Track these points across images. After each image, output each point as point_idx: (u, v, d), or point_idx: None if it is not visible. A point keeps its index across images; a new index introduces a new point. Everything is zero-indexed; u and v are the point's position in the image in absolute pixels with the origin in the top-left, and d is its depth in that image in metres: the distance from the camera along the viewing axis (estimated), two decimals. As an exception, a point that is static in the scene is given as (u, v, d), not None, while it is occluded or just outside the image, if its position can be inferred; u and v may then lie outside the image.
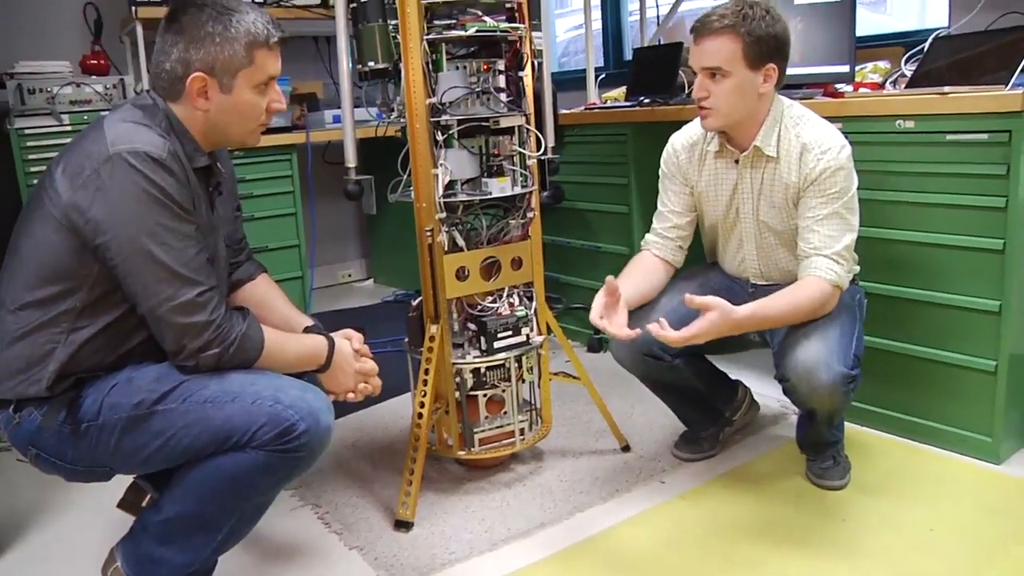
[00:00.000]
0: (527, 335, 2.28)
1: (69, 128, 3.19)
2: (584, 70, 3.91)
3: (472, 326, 2.25)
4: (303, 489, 2.37)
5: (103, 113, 1.72)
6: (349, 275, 5.15)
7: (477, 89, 2.13)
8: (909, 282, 2.37)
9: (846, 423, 2.31)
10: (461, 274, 2.19)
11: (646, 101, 3.18)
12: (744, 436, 2.56)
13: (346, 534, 2.15)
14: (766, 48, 2.02)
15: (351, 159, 2.68)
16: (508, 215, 2.27)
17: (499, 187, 2.16)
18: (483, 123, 2.14)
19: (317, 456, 1.68)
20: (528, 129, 2.22)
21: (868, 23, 3.39)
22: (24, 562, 2.13)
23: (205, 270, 1.63)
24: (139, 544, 1.71)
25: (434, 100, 2.10)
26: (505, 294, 2.27)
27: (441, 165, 2.11)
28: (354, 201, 2.68)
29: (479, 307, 2.25)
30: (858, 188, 2.09)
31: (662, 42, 3.88)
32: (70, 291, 1.60)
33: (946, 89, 2.24)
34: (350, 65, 2.51)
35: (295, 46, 4.45)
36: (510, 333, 2.24)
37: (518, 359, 2.28)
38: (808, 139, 2.07)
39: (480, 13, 2.10)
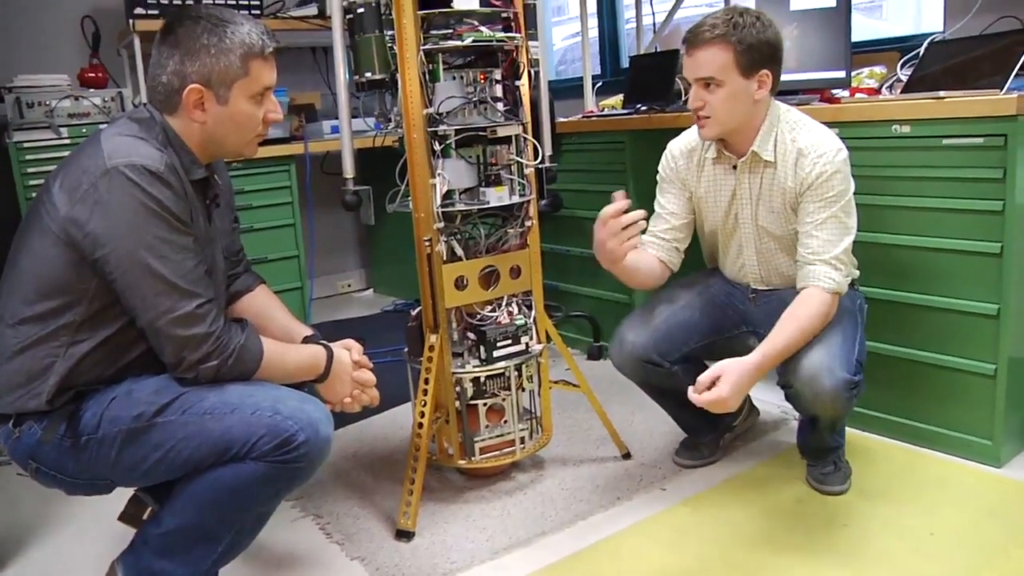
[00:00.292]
0: (526, 344, 2.28)
1: (68, 141, 3.19)
2: (581, 78, 3.91)
3: (471, 335, 2.25)
4: (304, 500, 2.37)
5: (101, 126, 1.73)
6: (348, 285, 5.15)
7: (474, 99, 2.14)
8: (907, 286, 2.37)
9: (847, 428, 2.30)
10: (460, 283, 2.19)
11: (643, 109, 3.19)
12: (744, 442, 2.56)
13: (347, 544, 2.14)
14: (758, 55, 2.03)
15: (349, 169, 2.69)
16: (506, 224, 2.27)
17: (497, 196, 2.17)
18: (480, 132, 2.14)
19: (317, 467, 1.68)
20: (525, 138, 2.23)
21: (863, 28, 3.40)
22: (25, 576, 2.13)
23: (203, 282, 1.64)
24: (140, 557, 1.71)
25: (431, 110, 2.10)
26: (504, 303, 2.28)
27: (439, 175, 2.12)
28: (352, 211, 2.68)
29: (478, 316, 2.25)
30: (856, 193, 2.09)
31: (658, 49, 3.89)
32: (69, 305, 1.60)
33: (942, 94, 2.25)
34: (347, 76, 2.52)
35: (293, 57, 4.46)
36: (509, 342, 2.25)
37: (518, 368, 2.28)
38: (804, 144, 2.08)
39: (476, 23, 2.11)
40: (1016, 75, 2.19)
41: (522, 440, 2.33)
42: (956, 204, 2.24)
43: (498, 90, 2.20)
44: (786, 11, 2.74)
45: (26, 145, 3.17)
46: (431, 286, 2.20)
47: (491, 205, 2.17)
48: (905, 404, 2.45)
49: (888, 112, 2.34)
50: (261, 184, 3.55)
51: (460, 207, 2.15)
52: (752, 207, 2.20)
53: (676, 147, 2.32)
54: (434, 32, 2.09)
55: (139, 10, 3.42)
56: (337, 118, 3.14)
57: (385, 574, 2.00)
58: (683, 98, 3.14)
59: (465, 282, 2.20)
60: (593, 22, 4.46)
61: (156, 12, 3.45)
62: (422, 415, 2.19)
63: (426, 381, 2.19)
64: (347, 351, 1.89)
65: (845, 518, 2.10)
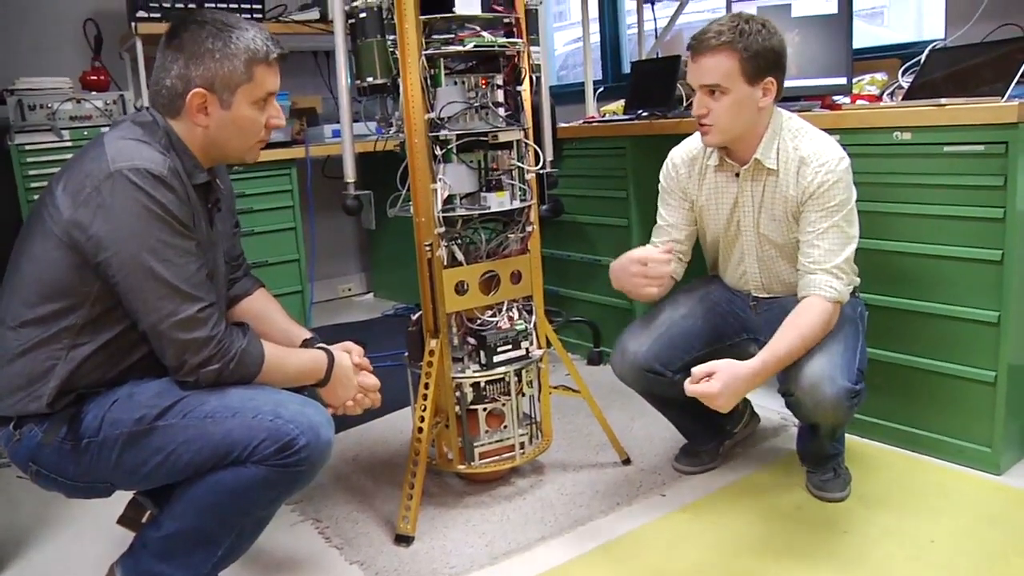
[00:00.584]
0: (527, 349, 2.28)
1: (69, 144, 3.19)
2: (583, 83, 3.92)
3: (472, 340, 2.25)
4: (303, 504, 2.37)
5: (103, 129, 1.74)
6: (349, 289, 5.15)
7: (475, 104, 2.14)
8: (908, 294, 2.37)
9: (847, 435, 2.30)
10: (460, 288, 2.19)
11: (644, 114, 3.19)
12: (744, 448, 2.56)
13: (347, 549, 2.14)
14: (764, 63, 2.03)
15: (350, 174, 2.68)
16: (507, 229, 2.27)
17: (498, 201, 2.17)
18: (482, 137, 2.15)
19: (317, 470, 1.68)
20: (527, 143, 2.23)
21: (865, 35, 3.40)
22: (24, 579, 2.13)
23: (205, 286, 1.64)
24: (139, 560, 1.71)
25: (433, 115, 2.11)
26: (504, 308, 2.28)
27: (440, 180, 2.12)
28: (353, 216, 2.68)
29: (479, 321, 2.25)
30: (857, 200, 2.09)
31: (660, 55, 3.89)
32: (71, 308, 1.60)
33: (943, 101, 2.25)
34: (349, 80, 2.52)
35: (294, 61, 4.46)
36: (510, 347, 2.25)
37: (518, 373, 2.28)
38: (806, 152, 2.08)
39: (478, 28, 2.11)
40: (1017, 82, 2.20)
41: (522, 445, 2.33)
42: (957, 211, 2.24)
43: (499, 95, 2.20)
44: (788, 17, 2.74)
45: (28, 148, 3.17)
46: (432, 291, 2.20)
47: (492, 210, 2.17)
48: (905, 411, 2.45)
49: (889, 119, 2.34)
50: (262, 188, 3.55)
51: (461, 212, 2.16)
52: (754, 215, 2.20)
53: (678, 155, 2.32)
54: (436, 37, 2.09)
55: (141, 13, 3.42)
56: (338, 122, 3.14)
57: (384, 579, 2.00)
58: (684, 104, 3.15)
59: (466, 287, 2.20)
60: (595, 27, 4.47)
61: (158, 15, 3.45)
62: (422, 420, 2.19)
63: (426, 386, 2.19)
64: (347, 354, 1.89)
65: (845, 525, 2.10)
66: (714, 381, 1.89)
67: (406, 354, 2.35)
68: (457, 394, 2.24)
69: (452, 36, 2.09)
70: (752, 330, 2.32)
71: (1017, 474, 2.30)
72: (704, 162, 2.25)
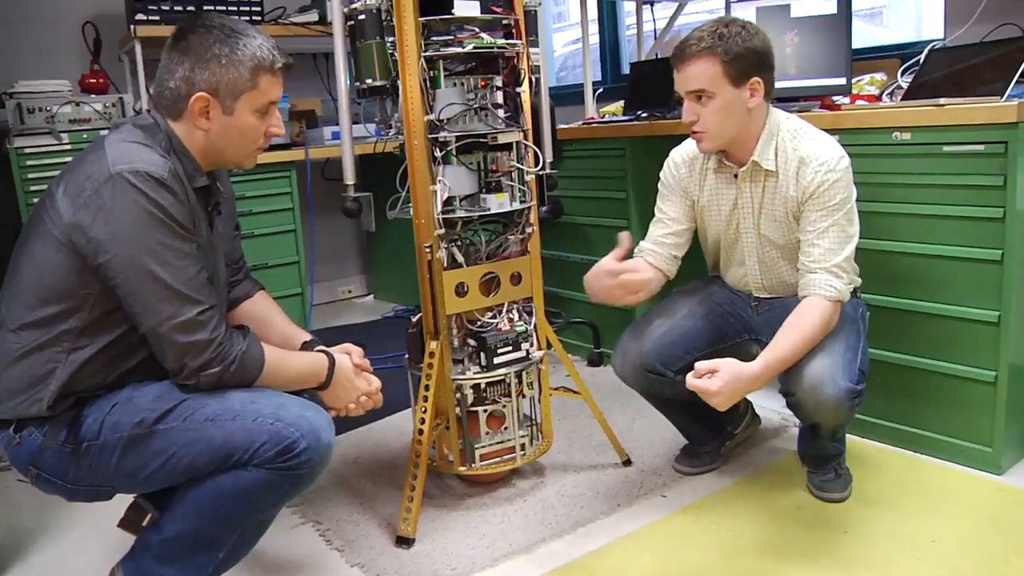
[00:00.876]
0: (527, 350, 2.28)
1: (69, 147, 3.19)
2: (582, 85, 3.92)
3: (472, 342, 2.25)
4: (304, 506, 2.37)
5: (102, 132, 1.74)
6: (349, 291, 5.15)
7: (475, 105, 2.14)
8: (908, 294, 2.37)
9: (847, 435, 2.30)
10: (460, 290, 2.19)
11: (644, 115, 3.19)
12: (745, 449, 2.56)
13: (347, 551, 2.14)
14: (746, 64, 2.03)
15: (350, 176, 2.68)
16: (507, 231, 2.27)
17: (498, 203, 2.17)
18: (481, 139, 2.15)
19: (318, 473, 1.68)
20: (526, 144, 2.23)
21: (864, 35, 3.41)
22: (25, 582, 2.13)
23: (206, 289, 1.64)
24: (140, 563, 1.71)
25: (432, 117, 2.11)
26: (505, 309, 2.28)
27: (440, 181, 2.12)
28: (353, 218, 2.68)
29: (479, 323, 2.25)
30: (856, 200, 2.09)
31: (659, 56, 3.89)
32: (71, 311, 1.60)
33: (942, 101, 2.25)
34: (348, 82, 2.52)
35: (293, 63, 4.46)
36: (510, 348, 2.25)
37: (518, 374, 2.28)
38: (805, 152, 2.08)
39: (477, 30, 2.11)
40: (1016, 82, 2.20)
41: (522, 447, 2.33)
42: (956, 211, 2.24)
43: (499, 97, 2.20)
44: (787, 18, 2.74)
45: (27, 151, 3.17)
46: (432, 292, 2.20)
47: (492, 212, 2.17)
48: (906, 411, 2.45)
49: (889, 119, 2.34)
50: (262, 190, 3.55)
51: (461, 213, 2.15)
52: (754, 216, 2.20)
53: (678, 155, 2.32)
54: (435, 39, 2.10)
55: (140, 16, 3.43)
56: (338, 124, 3.14)
57: (385, 581, 2.00)
58: (681, 107, 3.14)
59: (466, 288, 2.20)
60: (594, 28, 4.46)
61: (157, 18, 3.46)
62: (422, 421, 2.18)
63: (426, 388, 2.19)
64: (348, 356, 1.89)
65: (846, 525, 2.10)
66: (715, 379, 1.89)
67: (406, 356, 2.35)
68: (457, 396, 2.24)
69: (451, 38, 2.09)
70: (753, 330, 2.32)
71: (1018, 474, 2.29)
72: (704, 164, 2.25)
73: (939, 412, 2.37)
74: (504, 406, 2.29)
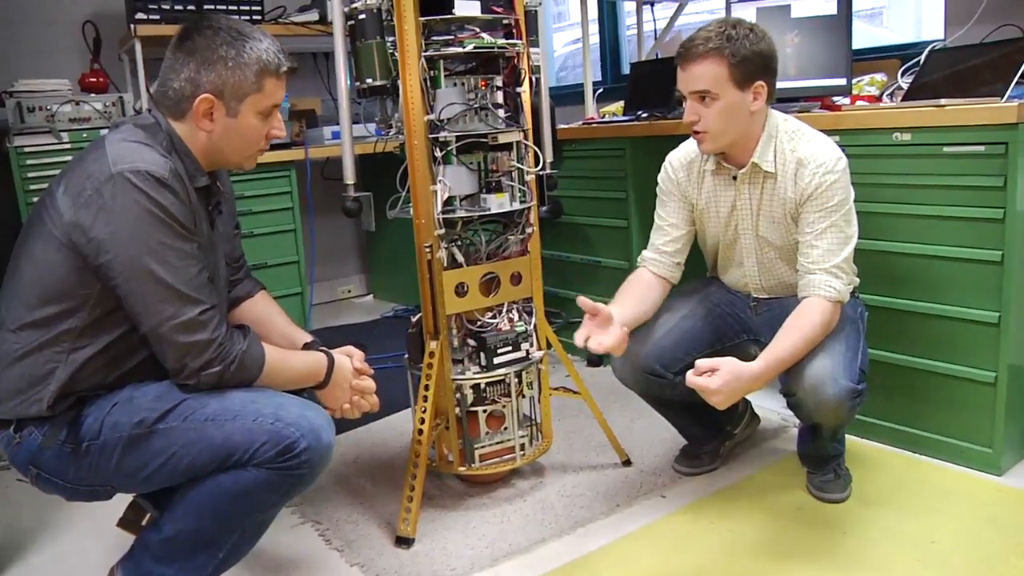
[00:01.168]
0: (527, 350, 2.28)
1: (69, 146, 3.19)
2: (582, 85, 3.92)
3: (472, 342, 2.25)
4: (304, 506, 2.37)
5: (102, 131, 1.73)
6: (348, 291, 5.15)
7: (475, 105, 2.14)
8: (908, 294, 2.37)
9: (847, 436, 2.30)
10: (460, 290, 2.19)
11: (644, 115, 3.19)
12: (745, 450, 2.56)
13: (347, 551, 2.14)
14: (752, 67, 2.02)
15: (350, 176, 2.68)
16: (507, 231, 2.27)
17: (498, 203, 2.17)
18: (481, 139, 2.15)
19: (318, 473, 1.68)
20: (526, 144, 2.23)
21: (864, 36, 3.41)
22: (24, 582, 2.13)
23: (206, 289, 1.64)
24: (140, 563, 1.71)
25: (432, 116, 2.11)
26: (504, 309, 2.28)
27: (440, 181, 2.12)
28: (353, 218, 2.68)
29: (479, 323, 2.25)
30: (857, 201, 2.09)
31: (659, 56, 3.89)
32: (71, 310, 1.60)
33: (942, 101, 2.25)
34: (349, 82, 2.52)
35: (297, 66, 4.46)
36: (510, 348, 2.24)
37: (518, 374, 2.28)
38: (804, 154, 2.08)
39: (478, 30, 2.11)
40: (1017, 83, 2.20)
41: (522, 447, 2.33)
42: (957, 212, 2.24)
43: (499, 96, 2.20)
44: (787, 18, 2.74)
45: (27, 150, 3.17)
46: (431, 292, 2.20)
47: (492, 212, 2.17)
48: (906, 412, 2.45)
49: (889, 120, 2.34)
50: (262, 189, 3.55)
51: (461, 213, 2.15)
52: (752, 218, 2.20)
53: (675, 159, 2.32)
54: (435, 38, 2.10)
55: (140, 15, 3.42)
56: (338, 124, 3.14)
57: (385, 581, 2.00)
58: (681, 107, 3.15)
59: (465, 288, 2.20)
60: (594, 28, 4.46)
61: (157, 17, 3.46)
62: (422, 421, 2.18)
63: (426, 387, 2.19)
64: (348, 358, 1.89)
65: (845, 526, 2.10)
66: (715, 377, 1.88)
67: (406, 356, 2.35)
68: (457, 396, 2.24)
69: (452, 38, 2.09)
70: (752, 331, 2.32)
71: (1018, 474, 2.30)
72: (701, 166, 2.25)
73: (939, 413, 2.37)
74: (504, 406, 2.29)
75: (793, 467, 2.37)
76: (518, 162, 2.21)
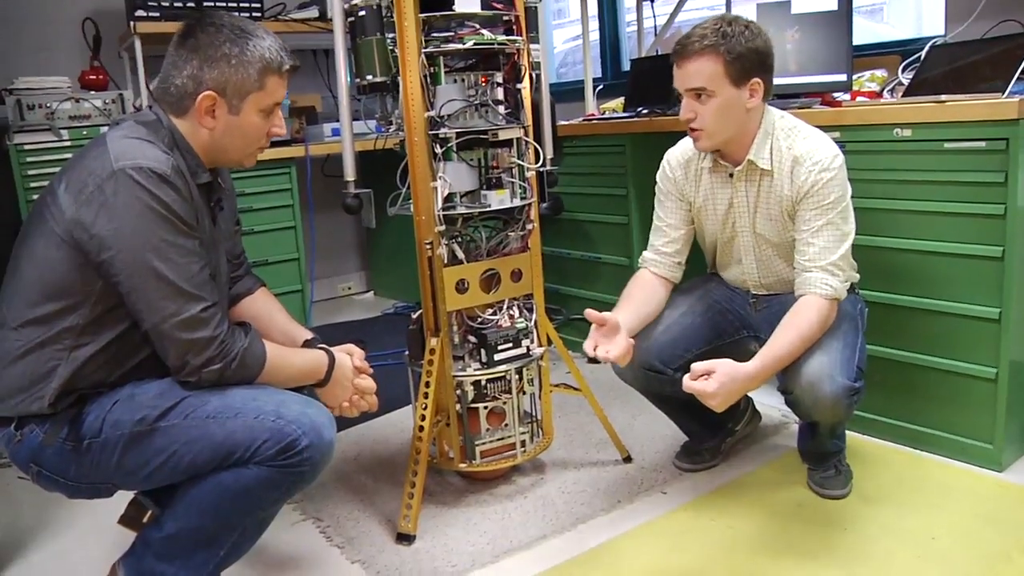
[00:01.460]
0: (527, 347, 2.28)
1: (68, 143, 3.19)
2: (582, 81, 3.92)
3: (472, 338, 2.25)
4: (305, 503, 2.37)
5: (102, 129, 1.73)
6: (349, 288, 5.15)
7: (475, 102, 2.14)
8: (908, 290, 2.37)
9: (847, 432, 2.30)
10: (461, 287, 2.19)
11: (644, 112, 3.19)
12: (745, 446, 2.56)
13: (348, 548, 2.14)
14: (748, 64, 2.02)
15: (350, 172, 2.68)
16: (507, 227, 2.27)
17: (498, 199, 2.17)
18: (482, 135, 2.14)
19: (320, 471, 1.68)
20: (527, 141, 2.22)
21: (865, 32, 3.40)
22: (26, 579, 2.13)
23: (208, 286, 1.64)
24: (141, 560, 1.71)
25: (433, 113, 2.10)
26: (505, 306, 2.27)
27: (440, 178, 2.12)
28: (353, 214, 2.68)
29: (479, 319, 2.25)
30: (857, 197, 2.10)
31: (659, 52, 3.89)
32: (72, 307, 1.60)
33: (943, 97, 2.25)
34: (349, 78, 2.52)
35: (300, 65, 4.46)
36: (510, 345, 2.24)
37: (519, 371, 2.28)
38: (800, 151, 2.07)
39: (478, 26, 2.11)
40: (1018, 79, 2.20)
41: (523, 443, 2.33)
42: (957, 208, 2.24)
43: (499, 93, 2.20)
44: (787, 14, 2.74)
45: (27, 147, 3.17)
46: (432, 289, 2.20)
47: (492, 208, 2.17)
48: (906, 408, 2.45)
49: (889, 116, 2.34)
50: (262, 186, 3.55)
51: (461, 210, 2.15)
52: (750, 215, 2.20)
53: (673, 157, 2.32)
54: (435, 35, 2.09)
55: (140, 12, 3.42)
56: (338, 121, 3.14)
57: (386, 577, 2.00)
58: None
59: (466, 285, 2.20)
60: (594, 25, 4.46)
61: (157, 14, 3.45)
62: (423, 418, 2.18)
63: (427, 384, 2.19)
64: (348, 356, 1.89)
65: (846, 522, 2.10)
66: (711, 380, 1.88)
67: (407, 353, 2.35)
68: (458, 392, 2.24)
69: (452, 34, 2.09)
70: (752, 327, 2.32)
71: (1019, 471, 2.30)
72: (699, 164, 2.25)
73: (940, 409, 2.37)
74: (504, 403, 2.29)
75: (794, 463, 2.37)
76: (518, 158, 2.21)
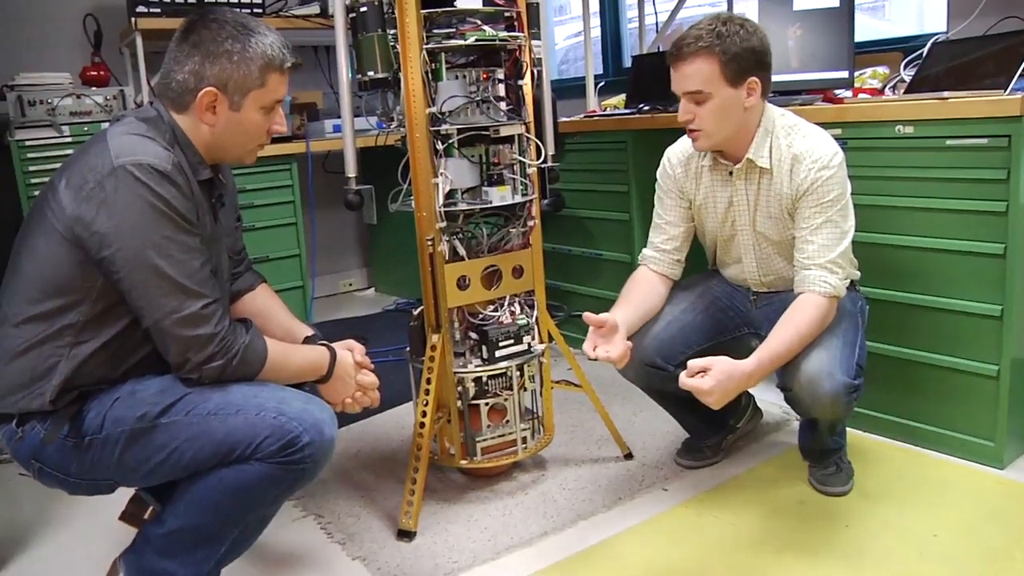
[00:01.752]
0: (529, 343, 2.28)
1: (70, 139, 3.19)
2: (583, 78, 3.92)
3: (474, 335, 2.25)
4: (306, 499, 2.37)
5: (103, 125, 1.73)
6: (350, 284, 5.15)
7: (477, 98, 2.14)
8: (910, 287, 2.37)
9: (848, 429, 2.30)
10: (462, 283, 2.19)
11: (645, 108, 3.19)
12: (747, 443, 2.56)
13: (349, 544, 2.14)
14: (744, 64, 2.01)
15: (351, 169, 2.68)
16: (509, 224, 2.27)
17: (499, 196, 2.17)
18: (483, 132, 2.14)
19: (321, 468, 1.68)
20: (528, 137, 2.22)
21: (867, 29, 3.40)
22: (26, 575, 2.12)
23: (209, 282, 1.63)
24: (142, 557, 1.71)
25: (434, 109, 2.10)
26: (506, 303, 2.27)
27: (441, 174, 2.12)
28: (354, 211, 2.68)
29: (480, 316, 2.25)
30: (859, 194, 2.10)
31: (661, 49, 3.88)
32: (73, 304, 1.60)
33: (945, 94, 2.24)
34: (350, 75, 2.52)
35: (302, 62, 4.46)
36: (512, 342, 2.24)
37: (520, 368, 2.28)
38: (800, 149, 2.07)
39: (479, 22, 2.11)
40: (1020, 76, 2.19)
41: (524, 440, 2.33)
42: (959, 205, 2.24)
43: (501, 89, 2.20)
44: (789, 11, 2.73)
45: (28, 143, 3.17)
46: (433, 286, 2.20)
47: (494, 205, 2.17)
48: (908, 405, 2.44)
49: (891, 112, 2.34)
50: (263, 183, 3.54)
51: (462, 206, 2.15)
52: (750, 213, 2.19)
53: (674, 154, 2.32)
54: (437, 31, 2.09)
55: (141, 8, 3.42)
56: (339, 117, 3.14)
57: (386, 574, 2.00)
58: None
59: (467, 282, 2.20)
60: (595, 21, 4.46)
61: (158, 10, 3.45)
62: (424, 415, 2.19)
63: (428, 381, 2.19)
64: (349, 352, 1.89)
65: (847, 519, 2.10)
66: (708, 378, 1.87)
67: (407, 349, 2.35)
68: (459, 389, 2.24)
69: (453, 30, 2.09)
70: (753, 324, 2.32)
71: (1020, 468, 2.29)
72: (699, 162, 2.25)
73: (941, 406, 2.37)
74: (506, 399, 2.29)
75: (795, 461, 2.37)
76: (520, 155, 2.21)
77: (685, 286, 2.36)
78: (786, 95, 2.64)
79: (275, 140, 3.53)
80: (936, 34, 2.81)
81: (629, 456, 2.51)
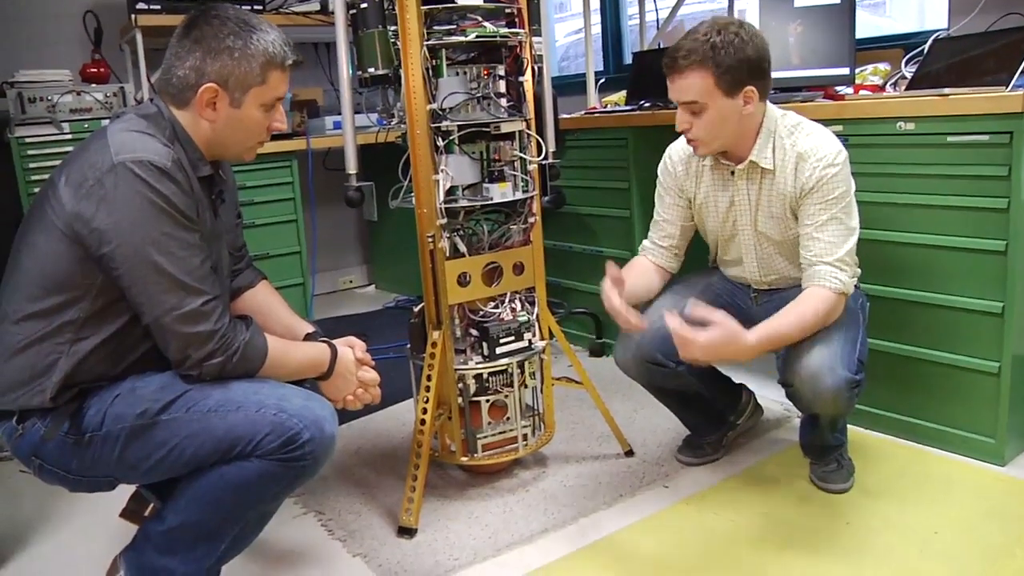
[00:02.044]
0: (529, 340, 2.28)
1: (70, 136, 3.19)
2: (584, 74, 3.91)
3: (474, 332, 2.25)
4: (306, 496, 2.37)
5: (104, 122, 1.72)
6: (350, 281, 5.15)
7: (477, 94, 2.13)
8: (911, 284, 2.37)
9: (849, 426, 2.30)
10: (463, 280, 2.19)
11: (646, 105, 3.19)
12: (747, 440, 2.56)
13: (349, 541, 2.14)
14: (739, 75, 1.99)
15: (352, 165, 2.68)
16: (509, 220, 2.27)
17: (500, 192, 2.16)
18: (484, 128, 2.14)
19: (322, 465, 1.67)
20: (529, 134, 2.22)
21: (868, 25, 3.39)
22: (26, 573, 2.12)
23: (209, 279, 1.63)
24: (142, 553, 1.71)
25: (434, 106, 2.10)
26: (507, 299, 2.27)
27: (442, 171, 2.11)
28: (355, 208, 2.68)
29: (481, 313, 2.25)
30: (860, 191, 2.09)
31: (662, 46, 3.88)
32: (73, 301, 1.59)
33: (946, 91, 2.24)
34: (350, 71, 2.51)
35: (303, 60, 4.45)
36: (512, 338, 2.24)
37: (520, 364, 2.28)
38: (804, 148, 2.06)
39: (480, 19, 2.11)
40: (1022, 72, 2.19)
41: (524, 437, 2.33)
42: (961, 202, 2.24)
43: (501, 86, 2.19)
44: (790, 8, 2.73)
45: (28, 140, 3.16)
46: (434, 282, 2.20)
47: (494, 201, 2.17)
48: (909, 402, 2.44)
49: (893, 109, 2.33)
50: (263, 180, 3.54)
51: (463, 203, 2.15)
52: (751, 213, 2.19)
53: (675, 152, 2.32)
54: (437, 28, 2.09)
55: (141, 5, 3.41)
56: (340, 114, 3.13)
57: (387, 571, 2.00)
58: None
59: (468, 278, 2.20)
60: (596, 18, 4.45)
61: (158, 7, 3.44)
62: (424, 412, 2.18)
63: (428, 378, 2.19)
64: (350, 349, 1.89)
65: (848, 516, 2.10)
66: (701, 333, 1.86)
67: (408, 346, 2.35)
68: (460, 386, 2.24)
69: (454, 26, 2.09)
70: (753, 321, 2.28)
71: (1021, 465, 2.29)
72: (701, 162, 2.24)
73: (942, 403, 2.37)
74: (506, 396, 2.29)
75: (796, 457, 2.37)
76: (520, 151, 2.21)
77: (687, 282, 2.36)
78: (787, 92, 2.64)
79: (275, 137, 3.51)
80: (937, 31, 2.81)
81: (630, 453, 2.51)
